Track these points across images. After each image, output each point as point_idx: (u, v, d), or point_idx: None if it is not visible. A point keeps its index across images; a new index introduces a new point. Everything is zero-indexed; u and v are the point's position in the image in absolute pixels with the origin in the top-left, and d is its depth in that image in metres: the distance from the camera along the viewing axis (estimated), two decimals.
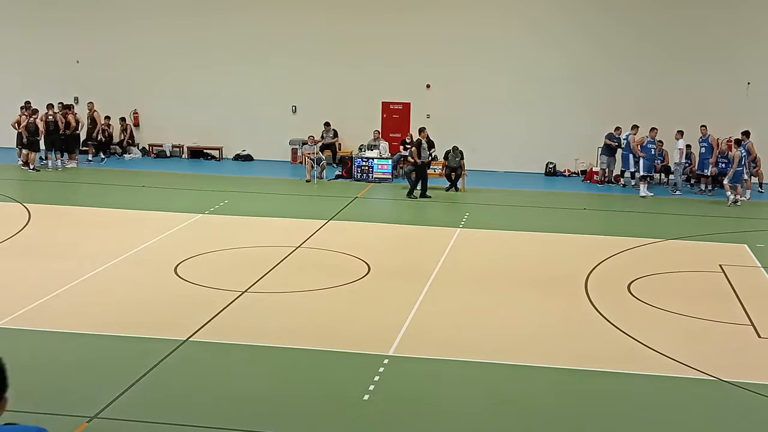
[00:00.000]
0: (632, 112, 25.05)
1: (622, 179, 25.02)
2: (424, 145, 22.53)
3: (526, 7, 26.03)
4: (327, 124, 26.96)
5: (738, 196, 22.35)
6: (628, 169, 24.54)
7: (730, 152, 22.85)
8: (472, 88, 26.38)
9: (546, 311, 12.89)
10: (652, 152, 23.57)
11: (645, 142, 23.55)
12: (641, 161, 23.48)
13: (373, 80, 26.78)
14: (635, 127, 24.39)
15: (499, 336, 11.88)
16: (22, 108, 25.35)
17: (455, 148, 23.36)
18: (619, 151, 24.73)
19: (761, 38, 25.16)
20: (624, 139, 24.56)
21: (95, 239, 16.56)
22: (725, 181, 22.66)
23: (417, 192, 22.36)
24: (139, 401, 9.34)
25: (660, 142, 24.18)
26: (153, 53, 27.55)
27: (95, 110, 26.88)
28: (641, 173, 23.56)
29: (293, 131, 27.25)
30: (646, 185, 23.44)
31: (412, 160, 22.96)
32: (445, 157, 23.55)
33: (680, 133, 23.67)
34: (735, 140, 23.08)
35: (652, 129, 23.69)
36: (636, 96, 25.55)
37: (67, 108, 25.87)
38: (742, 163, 22.69)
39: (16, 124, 24.88)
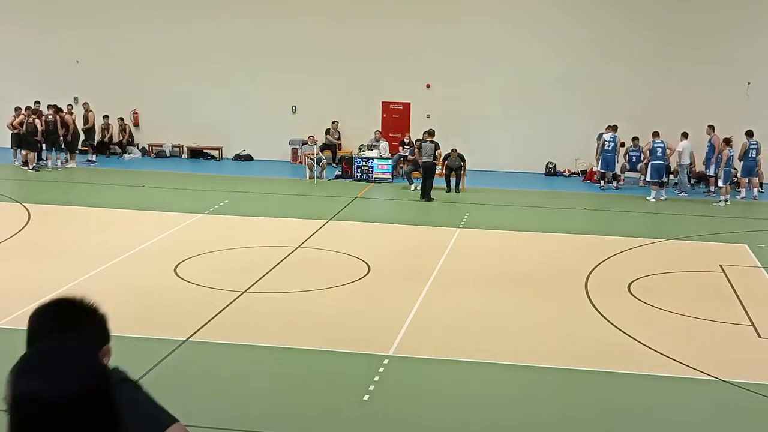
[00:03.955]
0: (632, 112, 25.06)
1: (602, 181, 24.81)
2: (429, 146, 22.37)
3: (526, 7, 26.02)
4: (335, 123, 27.00)
5: (723, 197, 22.38)
6: (611, 170, 24.53)
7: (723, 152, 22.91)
8: (472, 88, 26.38)
9: (546, 311, 12.89)
10: (658, 154, 23.33)
11: (652, 146, 23.44)
12: (649, 165, 23.34)
13: (373, 80, 26.78)
14: (615, 128, 24.29)
15: (499, 336, 11.87)
16: (23, 108, 25.34)
17: (454, 151, 23.24)
18: (602, 152, 24.58)
19: (761, 38, 25.16)
20: (609, 141, 24.39)
21: (95, 239, 16.54)
22: (720, 183, 22.75)
23: (417, 190, 22.39)
24: None
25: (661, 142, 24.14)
26: (153, 53, 27.54)
27: (90, 110, 26.85)
28: (649, 178, 23.43)
29: (293, 131, 27.25)
30: (657, 190, 23.22)
31: (412, 158, 22.93)
32: (445, 159, 23.49)
33: (684, 134, 23.65)
34: (724, 139, 23.06)
35: (655, 133, 23.53)
36: (636, 96, 25.55)
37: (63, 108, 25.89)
38: (730, 162, 22.72)
39: (18, 125, 24.87)
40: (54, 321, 3.20)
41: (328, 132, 27.03)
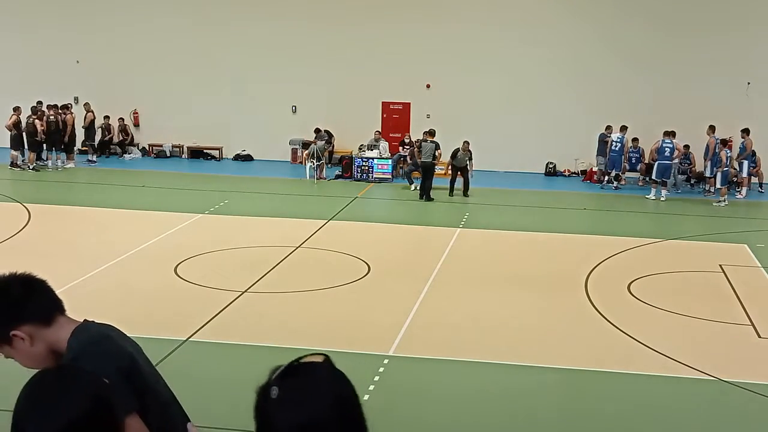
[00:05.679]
0: (632, 111, 25.07)
1: (604, 178, 24.70)
2: (429, 146, 22.27)
3: (526, 7, 26.02)
4: (317, 131, 26.08)
5: (722, 197, 22.38)
6: (618, 170, 24.49)
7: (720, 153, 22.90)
8: (472, 88, 26.38)
9: (546, 311, 12.89)
10: (665, 154, 23.27)
11: (660, 145, 23.40)
12: (655, 165, 23.30)
13: (373, 80, 26.78)
14: (624, 128, 24.33)
15: (499, 336, 11.88)
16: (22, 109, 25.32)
17: (466, 143, 22.44)
18: (610, 151, 24.53)
19: (761, 38, 25.16)
20: (617, 141, 24.40)
21: (95, 239, 16.55)
22: (718, 184, 22.74)
23: (417, 190, 22.37)
24: None
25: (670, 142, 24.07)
26: (153, 53, 27.55)
27: (90, 110, 26.82)
28: (653, 176, 23.36)
29: (293, 131, 27.26)
30: (657, 188, 23.20)
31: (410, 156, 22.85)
32: (453, 156, 22.65)
33: (672, 133, 23.68)
34: (721, 140, 23.04)
35: (666, 133, 23.48)
36: (636, 95, 25.55)
37: (64, 108, 25.85)
38: (728, 164, 22.73)
39: (12, 126, 24.80)
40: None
41: (314, 142, 26.36)
